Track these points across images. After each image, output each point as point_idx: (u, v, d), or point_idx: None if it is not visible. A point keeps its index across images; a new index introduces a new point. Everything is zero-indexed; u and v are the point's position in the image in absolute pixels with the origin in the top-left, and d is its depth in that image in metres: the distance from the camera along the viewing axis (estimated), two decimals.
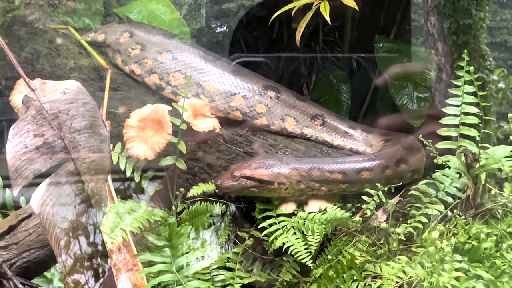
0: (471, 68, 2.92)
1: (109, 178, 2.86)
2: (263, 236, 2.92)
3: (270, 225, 2.90)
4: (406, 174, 3.00)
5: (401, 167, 2.98)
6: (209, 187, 2.96)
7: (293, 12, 2.90)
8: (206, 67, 3.19)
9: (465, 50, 3.05)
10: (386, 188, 2.86)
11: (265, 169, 2.88)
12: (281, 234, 2.85)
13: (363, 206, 2.88)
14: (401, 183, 2.98)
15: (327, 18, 2.83)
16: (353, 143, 3.28)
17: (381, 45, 3.75)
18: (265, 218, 2.93)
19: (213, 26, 4.15)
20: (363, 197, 2.88)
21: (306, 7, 2.98)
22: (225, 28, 4.16)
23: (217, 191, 2.94)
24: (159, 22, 3.61)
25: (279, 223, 2.90)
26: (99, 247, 2.80)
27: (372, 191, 2.86)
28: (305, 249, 2.79)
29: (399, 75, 3.63)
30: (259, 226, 2.92)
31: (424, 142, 2.91)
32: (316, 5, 2.91)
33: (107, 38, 3.33)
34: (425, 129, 3.29)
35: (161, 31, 3.38)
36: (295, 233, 2.86)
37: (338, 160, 3.00)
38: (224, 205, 2.99)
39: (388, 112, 3.69)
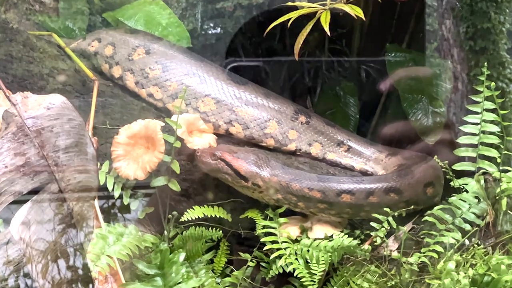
0: (492, 84, 2.94)
1: (96, 200, 2.91)
2: (263, 256, 3.01)
3: (272, 242, 2.96)
4: (398, 204, 3.02)
5: (390, 195, 3.02)
6: (205, 210, 3.00)
7: (289, 23, 2.94)
8: (238, 90, 3.29)
9: (484, 58, 3.09)
10: (396, 214, 2.91)
11: (246, 163, 2.96)
12: (283, 254, 2.92)
13: (372, 233, 2.93)
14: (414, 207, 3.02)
15: (327, 29, 2.86)
16: (375, 167, 3.38)
17: (392, 54, 3.79)
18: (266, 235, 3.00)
19: (206, 27, 4.18)
20: (372, 223, 2.92)
21: (311, 15, 3.02)
22: (219, 29, 4.19)
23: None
24: (155, 26, 3.65)
25: (281, 243, 2.96)
26: (80, 272, 2.84)
27: (381, 217, 2.91)
28: (309, 278, 2.85)
29: (405, 79, 3.68)
30: (261, 240, 2.98)
31: (440, 164, 2.97)
32: (319, 14, 2.95)
33: (117, 53, 3.37)
34: (438, 145, 3.35)
35: (181, 49, 3.43)
36: (297, 259, 2.92)
37: (324, 178, 3.07)
38: (220, 231, 3.03)
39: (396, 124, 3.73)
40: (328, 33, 2.86)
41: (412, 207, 2.97)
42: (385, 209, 2.90)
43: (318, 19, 2.95)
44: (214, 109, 3.23)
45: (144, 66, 3.32)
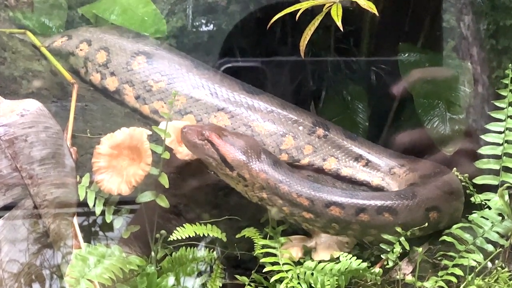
0: None
1: (75, 217, 2.88)
2: (262, 279, 2.97)
3: (272, 264, 2.94)
4: (392, 227, 2.96)
5: (383, 215, 2.97)
6: (197, 229, 2.96)
7: (297, 16, 2.92)
8: (252, 102, 3.29)
9: (507, 58, 3.08)
10: (409, 233, 2.89)
11: (234, 150, 2.93)
12: (284, 278, 2.89)
13: (383, 255, 2.91)
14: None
15: (339, 24, 2.85)
16: (390, 183, 3.39)
17: (405, 54, 3.78)
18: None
19: (197, 23, 4.16)
20: (382, 244, 2.91)
21: (315, 9, 3.00)
22: (212, 26, 4.17)
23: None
24: (130, 17, 3.62)
25: (282, 265, 2.93)
26: None
27: (391, 237, 2.89)
28: None
29: (420, 83, 3.66)
30: (260, 261, 2.96)
31: (460, 177, 2.94)
32: (327, 7, 2.93)
33: (112, 60, 3.35)
34: (457, 156, 3.33)
35: (188, 58, 3.41)
36: (300, 284, 2.89)
37: (316, 186, 3.03)
38: (214, 252, 3.01)
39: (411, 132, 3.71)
40: (341, 28, 2.85)
41: (409, 233, 2.93)
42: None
43: (325, 14, 2.94)
44: (228, 125, 3.25)
45: (146, 77, 3.30)
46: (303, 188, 2.97)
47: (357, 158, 3.42)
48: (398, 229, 2.88)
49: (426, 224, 2.93)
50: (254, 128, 3.27)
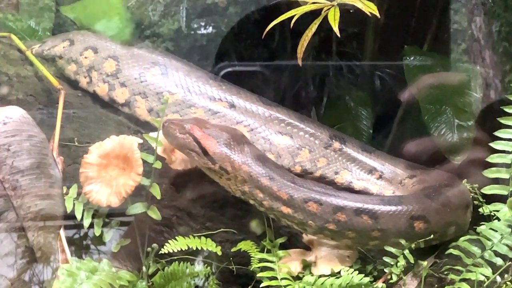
0: None
1: (62, 230, 2.88)
2: None
3: (270, 278, 2.91)
4: (370, 231, 2.94)
5: (362, 218, 2.94)
6: (191, 242, 2.94)
7: (292, 22, 2.91)
8: (271, 115, 3.35)
9: None
10: (413, 245, 2.87)
11: (216, 142, 2.95)
12: None
13: (386, 270, 2.89)
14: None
15: (336, 29, 2.84)
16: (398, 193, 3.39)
17: (411, 57, 3.76)
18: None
19: (195, 26, 4.16)
20: (386, 258, 2.89)
21: (315, 13, 3.00)
22: (210, 28, 4.17)
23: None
24: (93, 10, 3.68)
25: (280, 280, 2.91)
26: None
27: (394, 250, 2.87)
28: None
29: (431, 89, 3.64)
30: (257, 276, 2.95)
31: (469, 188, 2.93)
32: (325, 11, 2.92)
33: (122, 71, 3.37)
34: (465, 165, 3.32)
35: (195, 66, 3.45)
36: None
37: (299, 181, 3.04)
38: (209, 266, 3.00)
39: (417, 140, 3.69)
40: (338, 33, 2.85)
41: (390, 241, 2.93)
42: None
43: (325, 16, 2.92)
44: (254, 142, 3.28)
45: (161, 89, 3.32)
46: (284, 182, 2.98)
47: (371, 170, 3.44)
48: (402, 241, 2.87)
49: (410, 233, 2.93)
50: (273, 141, 3.32)
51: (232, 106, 3.32)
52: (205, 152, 2.93)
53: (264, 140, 3.31)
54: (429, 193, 3.06)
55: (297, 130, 3.38)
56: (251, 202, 3.02)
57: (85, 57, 3.41)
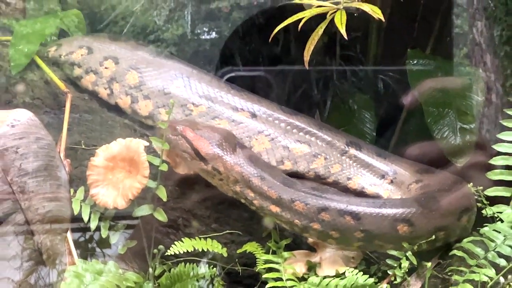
0: None
1: (69, 232, 2.88)
2: None
3: (275, 279, 2.92)
4: (353, 232, 2.95)
5: (345, 218, 2.95)
6: (196, 243, 2.96)
7: (300, 26, 2.93)
8: (290, 124, 3.38)
9: None
10: (415, 247, 2.88)
11: (208, 143, 2.98)
12: None
13: (390, 271, 2.91)
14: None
15: (343, 32, 2.85)
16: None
17: (414, 61, 3.76)
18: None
19: (198, 31, 4.17)
20: (389, 260, 2.91)
21: (318, 17, 3.00)
22: (214, 33, 4.18)
23: None
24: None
25: (285, 281, 2.92)
26: None
27: (395, 252, 2.89)
28: None
29: (433, 92, 3.63)
30: (263, 277, 2.95)
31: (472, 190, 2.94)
32: (330, 14, 2.94)
33: (145, 83, 3.39)
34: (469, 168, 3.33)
35: (223, 81, 3.49)
36: None
37: (289, 181, 3.08)
38: (215, 267, 3.01)
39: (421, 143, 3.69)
40: (345, 36, 2.86)
41: (374, 242, 2.95)
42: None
43: (329, 20, 2.94)
44: (268, 148, 3.32)
45: (186, 101, 3.35)
46: (274, 182, 3.01)
47: (384, 175, 3.44)
48: (405, 244, 2.88)
49: (393, 236, 2.93)
50: (292, 150, 3.34)
51: (253, 115, 3.34)
52: (197, 153, 2.96)
53: (284, 148, 3.33)
54: (420, 198, 3.08)
55: (315, 138, 3.40)
56: (242, 201, 3.05)
57: (106, 67, 3.42)
